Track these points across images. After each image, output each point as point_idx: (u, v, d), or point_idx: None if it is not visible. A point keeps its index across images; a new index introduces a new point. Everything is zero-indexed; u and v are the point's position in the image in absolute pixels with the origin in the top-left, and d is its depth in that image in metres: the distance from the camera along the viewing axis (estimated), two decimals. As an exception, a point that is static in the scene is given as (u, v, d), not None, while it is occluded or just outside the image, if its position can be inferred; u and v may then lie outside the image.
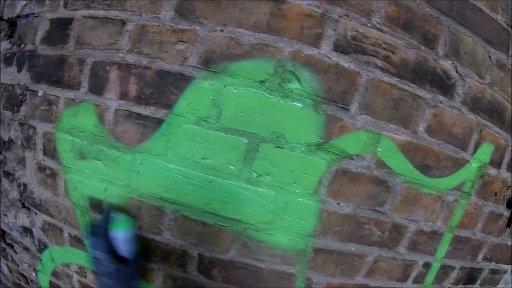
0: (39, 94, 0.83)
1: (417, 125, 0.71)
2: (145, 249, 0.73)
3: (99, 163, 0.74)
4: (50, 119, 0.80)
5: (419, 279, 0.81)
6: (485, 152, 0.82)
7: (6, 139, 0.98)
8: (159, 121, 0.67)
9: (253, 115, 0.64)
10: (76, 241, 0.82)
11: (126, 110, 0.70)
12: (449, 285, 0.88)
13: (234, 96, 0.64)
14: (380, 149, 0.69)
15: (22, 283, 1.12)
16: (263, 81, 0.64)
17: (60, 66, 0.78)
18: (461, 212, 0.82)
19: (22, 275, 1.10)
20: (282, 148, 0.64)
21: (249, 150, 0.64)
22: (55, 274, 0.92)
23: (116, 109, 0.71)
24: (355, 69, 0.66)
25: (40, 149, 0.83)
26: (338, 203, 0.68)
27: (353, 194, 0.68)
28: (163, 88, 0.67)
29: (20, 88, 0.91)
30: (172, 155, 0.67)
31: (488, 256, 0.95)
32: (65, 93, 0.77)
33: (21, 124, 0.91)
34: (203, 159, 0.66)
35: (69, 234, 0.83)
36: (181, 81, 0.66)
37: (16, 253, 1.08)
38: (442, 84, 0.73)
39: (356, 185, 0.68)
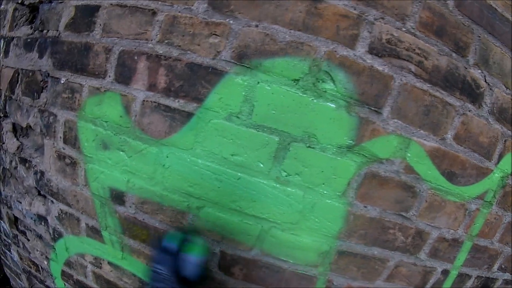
0: (62, 82, 0.81)
1: (446, 132, 0.70)
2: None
3: (122, 154, 0.73)
4: (72, 107, 0.78)
5: (436, 286, 0.80)
6: (508, 162, 0.81)
7: (24, 125, 0.97)
8: (188, 115, 0.66)
9: (285, 113, 0.63)
10: (93, 232, 0.81)
11: (154, 102, 0.68)
12: (464, 294, 0.88)
13: (267, 93, 0.63)
14: (409, 154, 0.68)
15: (33, 270, 1.11)
16: (297, 80, 0.63)
17: (85, 54, 0.76)
18: (482, 221, 0.81)
19: (33, 262, 1.09)
20: (313, 148, 0.63)
21: (280, 149, 0.63)
22: (68, 263, 0.91)
23: (144, 100, 0.69)
24: (389, 73, 0.65)
25: (60, 137, 0.82)
26: (365, 206, 0.67)
27: (381, 198, 0.67)
28: (194, 81, 0.66)
29: (41, 75, 0.89)
30: (200, 149, 0.66)
31: (503, 266, 0.95)
32: (89, 81, 0.76)
33: (41, 111, 0.89)
34: (232, 155, 0.64)
35: (87, 224, 0.82)
36: (213, 75, 0.65)
37: (28, 240, 1.07)
38: (472, 93, 0.72)
39: (384, 189, 0.67)
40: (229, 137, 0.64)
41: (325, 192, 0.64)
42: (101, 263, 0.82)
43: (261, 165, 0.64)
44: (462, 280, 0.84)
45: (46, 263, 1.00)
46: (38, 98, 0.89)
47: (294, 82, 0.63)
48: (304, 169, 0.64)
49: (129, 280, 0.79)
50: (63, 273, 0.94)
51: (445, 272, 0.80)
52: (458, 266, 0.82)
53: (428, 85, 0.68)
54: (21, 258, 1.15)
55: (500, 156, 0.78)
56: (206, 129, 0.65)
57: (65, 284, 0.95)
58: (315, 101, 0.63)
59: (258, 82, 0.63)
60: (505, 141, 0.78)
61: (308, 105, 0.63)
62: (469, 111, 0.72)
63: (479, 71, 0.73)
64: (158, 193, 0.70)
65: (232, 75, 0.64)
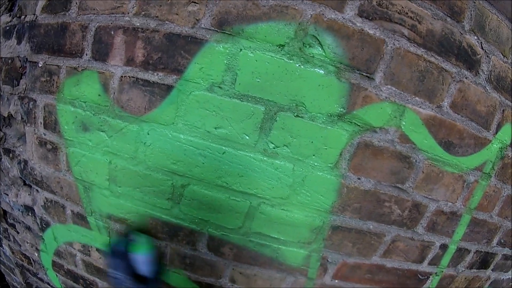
0: (40, 65, 0.75)
1: (442, 100, 0.65)
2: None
3: (103, 134, 0.67)
4: (51, 90, 0.73)
5: (435, 261, 0.76)
6: (506, 133, 0.76)
7: (5, 114, 0.91)
8: (168, 88, 0.60)
9: (271, 81, 0.57)
10: (79, 218, 0.76)
11: (132, 77, 0.63)
12: (463, 269, 0.83)
13: (250, 61, 0.58)
14: (404, 123, 0.62)
15: (25, 264, 1.06)
16: (283, 45, 0.57)
17: (61, 34, 0.70)
18: (480, 194, 0.76)
19: (25, 255, 1.04)
20: (302, 117, 0.58)
21: (266, 119, 0.58)
22: (58, 253, 0.86)
23: (122, 76, 0.64)
24: (381, 37, 0.59)
25: (41, 123, 0.76)
26: (359, 178, 0.62)
27: (375, 169, 0.62)
28: (173, 53, 0.60)
29: (20, 61, 0.83)
30: (182, 124, 0.60)
31: (502, 241, 0.90)
32: (66, 62, 0.70)
33: (20, 98, 0.83)
34: (215, 128, 0.59)
35: (72, 211, 0.77)
36: (192, 44, 0.59)
37: (18, 233, 1.02)
38: (468, 59, 0.66)
39: (378, 160, 0.62)
40: (211, 109, 0.59)
41: (316, 164, 0.59)
42: (89, 251, 0.78)
43: (247, 138, 0.58)
44: (461, 255, 0.80)
45: (36, 254, 0.95)
46: (18, 85, 0.84)
47: (279, 48, 0.57)
48: (292, 140, 0.58)
49: (117, 266, 0.75)
50: (54, 263, 0.89)
51: (444, 247, 0.75)
52: (456, 241, 0.77)
53: (423, 50, 0.62)
54: (13, 252, 1.10)
55: (499, 126, 0.73)
56: (187, 102, 0.59)
57: (56, 275, 0.90)
58: (302, 67, 0.57)
59: (241, 50, 0.58)
60: (503, 110, 0.73)
61: (294, 72, 0.57)
62: (465, 78, 0.67)
63: (475, 37, 0.67)
64: (141, 172, 0.64)
65: (213, 43, 0.59)
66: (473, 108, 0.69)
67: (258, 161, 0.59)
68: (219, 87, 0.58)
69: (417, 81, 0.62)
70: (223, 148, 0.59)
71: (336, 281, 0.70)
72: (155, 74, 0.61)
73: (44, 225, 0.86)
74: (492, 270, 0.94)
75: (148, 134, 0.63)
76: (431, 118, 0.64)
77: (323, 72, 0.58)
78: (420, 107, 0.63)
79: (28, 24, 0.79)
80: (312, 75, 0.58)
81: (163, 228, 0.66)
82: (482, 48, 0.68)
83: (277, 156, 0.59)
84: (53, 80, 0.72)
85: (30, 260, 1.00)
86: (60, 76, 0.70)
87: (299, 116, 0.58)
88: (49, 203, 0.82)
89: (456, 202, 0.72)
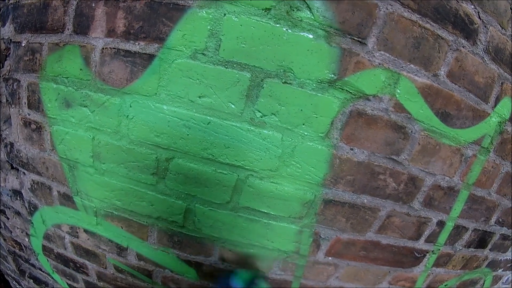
0: (23, 44, 0.71)
1: (438, 68, 0.60)
2: None
3: (85, 110, 0.63)
4: (33, 69, 0.69)
5: (431, 239, 0.72)
6: (505, 107, 0.71)
7: (-8, 98, 0.87)
8: (150, 57, 0.56)
9: (257, 46, 0.53)
10: (66, 199, 0.72)
11: (114, 48, 0.58)
12: (461, 247, 0.80)
13: (235, 26, 0.53)
14: (399, 91, 0.58)
15: (17, 250, 1.03)
16: (269, 9, 0.53)
17: (43, 11, 0.66)
18: (478, 169, 0.72)
19: (16, 241, 1.01)
20: (290, 84, 0.53)
21: (253, 87, 0.53)
22: (47, 237, 0.82)
23: (103, 48, 0.59)
24: (373, 1, 0.55)
25: (25, 103, 0.72)
26: (352, 149, 0.57)
27: (368, 140, 0.58)
28: (154, 20, 0.56)
29: (5, 43, 0.79)
30: (165, 94, 0.56)
31: (500, 220, 0.86)
32: (48, 38, 0.66)
33: (5, 79, 0.79)
34: (199, 97, 0.55)
35: (58, 192, 0.73)
36: (174, 11, 0.54)
37: (8, 219, 0.99)
38: (465, 28, 0.61)
39: (372, 130, 0.57)
40: (195, 77, 0.54)
41: (305, 133, 0.55)
42: (77, 232, 0.74)
43: (233, 106, 0.54)
44: (458, 233, 0.76)
45: (27, 240, 0.92)
46: (2, 67, 0.80)
47: (265, 11, 0.53)
48: (281, 108, 0.54)
49: (106, 247, 0.71)
50: (44, 248, 0.86)
51: (441, 224, 0.71)
52: (454, 218, 0.73)
53: (417, 16, 0.57)
54: (4, 239, 1.07)
55: (497, 100, 0.69)
56: (170, 70, 0.55)
57: (47, 260, 0.87)
58: (289, 31, 0.53)
59: (225, 14, 0.53)
60: (502, 83, 0.69)
61: (281, 36, 0.53)
62: (463, 47, 0.62)
63: (472, 6, 0.62)
64: (124, 147, 0.60)
65: (196, 8, 0.54)
66: (471, 79, 0.64)
67: (245, 131, 0.55)
68: (203, 54, 0.54)
69: (412, 48, 0.58)
70: (208, 118, 0.55)
71: (330, 258, 0.66)
72: (137, 43, 0.57)
73: (32, 209, 0.82)
74: (490, 249, 0.90)
75: (130, 106, 0.59)
76: (427, 87, 0.60)
77: (312, 36, 0.53)
78: (416, 75, 0.59)
79: (12, 6, 0.74)
80: (300, 39, 0.53)
81: (150, 203, 0.62)
82: (479, 17, 0.64)
83: (264, 125, 0.55)
84: (36, 58, 0.68)
85: (21, 246, 0.96)
86: (43, 53, 0.66)
87: (287, 83, 0.54)
88: (36, 185, 0.78)
89: (453, 176, 0.68)
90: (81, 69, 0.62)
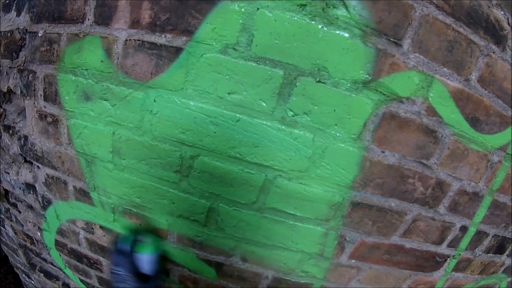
0: (39, 35, 0.68)
1: (470, 73, 0.58)
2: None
3: (106, 103, 0.61)
4: (51, 60, 0.66)
5: (453, 244, 0.70)
6: (531, 113, 0.69)
7: (5, 90, 0.84)
8: (177, 50, 0.53)
9: (291, 43, 0.50)
10: (82, 194, 0.70)
11: (138, 40, 0.56)
12: (480, 253, 0.78)
13: (268, 20, 0.50)
14: (432, 94, 0.56)
15: (28, 244, 1.01)
16: (304, 5, 0.50)
17: (62, 1, 0.63)
18: (503, 175, 0.70)
19: (27, 235, 0.99)
20: (324, 83, 0.51)
21: (285, 84, 0.51)
22: (60, 232, 0.80)
23: (126, 40, 0.56)
24: (409, 2, 0.52)
25: (41, 95, 0.70)
26: (383, 152, 0.55)
27: (400, 143, 0.56)
28: (182, 12, 0.53)
29: (20, 33, 0.76)
30: (192, 89, 0.54)
31: (518, 226, 0.85)
32: (67, 28, 0.63)
33: (20, 70, 0.76)
34: (229, 94, 0.52)
35: (74, 187, 0.71)
36: (204, 3, 0.52)
37: (20, 212, 0.96)
38: (495, 34, 0.59)
39: (404, 133, 0.55)
40: (225, 73, 0.52)
41: (338, 134, 0.53)
42: (93, 228, 0.72)
43: (264, 104, 0.52)
44: (479, 238, 0.75)
45: (39, 234, 0.90)
46: (17, 57, 0.77)
47: (300, 7, 0.50)
48: (313, 107, 0.52)
49: (122, 244, 0.69)
50: (57, 242, 0.83)
51: (464, 229, 0.69)
52: (477, 223, 0.71)
53: (451, 19, 0.55)
54: (15, 233, 1.05)
55: None
56: (198, 65, 0.52)
57: (60, 255, 0.85)
58: (325, 28, 0.50)
59: (258, 8, 0.50)
60: (527, 90, 0.67)
61: (317, 34, 0.50)
62: (493, 52, 0.60)
63: (502, 12, 0.60)
64: (146, 143, 0.58)
65: (227, 1, 0.51)
66: (500, 85, 0.62)
67: (275, 130, 0.52)
68: (234, 48, 0.51)
69: (445, 51, 0.55)
70: (237, 115, 0.53)
71: (353, 261, 0.64)
72: (163, 36, 0.54)
73: (46, 203, 0.80)
74: (507, 255, 0.89)
75: (154, 101, 0.56)
76: (458, 91, 0.58)
77: (348, 35, 0.51)
78: (448, 78, 0.56)
79: (28, -6, 0.71)
80: (336, 38, 0.50)
81: (171, 202, 0.60)
82: (509, 24, 0.61)
83: (296, 125, 0.52)
84: (53, 49, 0.65)
85: (33, 240, 0.94)
86: (61, 44, 0.64)
87: (321, 82, 0.51)
88: (50, 180, 0.76)
89: (479, 182, 0.66)
90: (102, 61, 0.59)
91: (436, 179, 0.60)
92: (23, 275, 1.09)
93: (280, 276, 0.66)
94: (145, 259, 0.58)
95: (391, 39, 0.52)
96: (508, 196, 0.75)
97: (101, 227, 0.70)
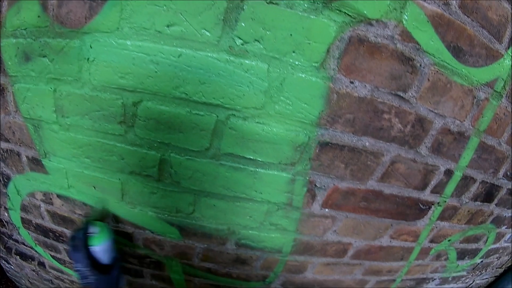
0: None
1: (450, -4, 0.49)
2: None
3: (44, 60, 0.53)
4: (-8, 27, 0.57)
5: (438, 189, 0.63)
6: (519, 49, 0.60)
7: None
8: (108, -16, 0.44)
9: (232, -45, 0.41)
10: (35, 164, 0.63)
11: (69, -19, 0.46)
12: (467, 200, 0.72)
13: None
14: (406, 17, 0.47)
15: (0, 227, 0.95)
16: None
17: None
18: (490, 115, 0.63)
19: (-1, 217, 0.93)
20: (277, 4, 0.42)
21: (231, 9, 0.42)
22: (24, 208, 0.74)
23: (58, -15, 0.47)
24: None
25: (-15, 65, 0.61)
26: (352, 82, 0.47)
27: (371, 72, 0.47)
28: None
29: None
30: (128, 28, 0.45)
31: (508, 173, 0.78)
32: None
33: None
34: (168, 26, 0.43)
35: (27, 157, 0.64)
36: None
37: (-14, 194, 0.90)
38: None
39: (375, 60, 0.47)
40: (161, 4, 0.43)
41: (296, 63, 0.44)
42: (51, 198, 0.65)
43: (208, 34, 0.43)
44: (466, 184, 0.68)
45: (6, 214, 0.83)
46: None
47: None
48: (266, 33, 0.43)
49: (81, 211, 0.63)
50: (23, 220, 0.77)
51: (449, 173, 0.62)
52: (463, 167, 0.64)
53: None
54: (-12, 217, 0.99)
55: (511, 41, 0.58)
56: (132, -3, 0.44)
57: (28, 233, 0.79)
58: None
59: None
60: (516, 23, 0.57)
61: None
62: None
63: None
64: (87, 95, 0.50)
65: None
66: (484, 14, 0.53)
67: (223, 63, 0.44)
68: (167, -30, 0.42)
69: (421, -31, 0.46)
70: (179, 49, 0.44)
71: (327, 210, 0.58)
72: (91, -32, 0.45)
73: (6, 180, 0.73)
74: (496, 204, 0.82)
75: (91, 47, 0.48)
76: (437, 16, 0.49)
77: None
78: (425, 0, 0.47)
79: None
80: None
81: (119, 154, 0.53)
82: None
83: (246, 54, 0.44)
84: (-6, 15, 0.56)
85: (3, 222, 0.88)
86: (2, 10, 0.56)
87: (272, 3, 0.42)
88: (5, 154, 0.68)
89: (464, 120, 0.59)
90: (39, 16, 0.51)
91: (416, 115, 0.53)
92: (3, 261, 1.05)
93: (248, 231, 0.60)
94: (99, 250, 0.55)
95: (355, -51, 0.43)
96: (496, 139, 0.68)
97: (58, 196, 0.63)
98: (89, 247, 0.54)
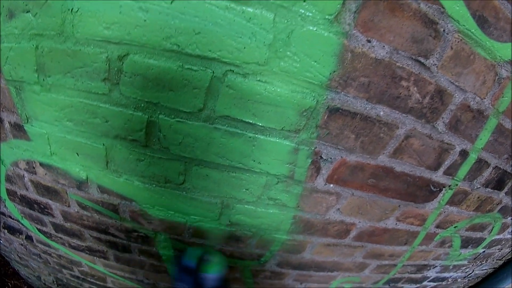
0: None
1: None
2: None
3: (28, 15, 0.46)
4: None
5: (451, 171, 0.57)
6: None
7: None
8: None
9: None
10: (17, 130, 0.57)
11: None
12: (479, 186, 0.66)
13: None
14: (431, -28, 0.40)
15: (-11, 200, 0.90)
16: None
17: None
18: (510, 95, 0.56)
19: (-13, 190, 0.87)
20: None
21: None
22: (8, 179, 0.68)
23: None
24: None
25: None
26: (369, 41, 0.40)
27: (391, 31, 0.40)
28: None
29: None
30: (114, -33, 0.38)
31: (522, 160, 0.72)
32: None
33: None
34: (158, -37, 0.37)
35: (9, 123, 0.58)
36: None
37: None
38: None
39: (396, 18, 0.40)
40: None
41: (307, 13, 0.37)
42: (34, 167, 0.59)
43: (204, -28, 0.36)
44: (479, 168, 0.62)
45: (-8, 186, 0.78)
46: None
47: None
48: (272, -25, 0.36)
49: (65, 180, 0.57)
50: (8, 192, 0.72)
51: (464, 154, 0.56)
52: (478, 149, 0.58)
53: None
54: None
55: None
56: None
57: (14, 205, 0.74)
58: None
59: None
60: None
61: None
62: None
63: None
64: (69, 50, 0.43)
65: None
66: None
67: (222, 10, 0.37)
68: None
69: None
70: (171, -8, 0.37)
71: (331, 185, 0.52)
72: None
73: (-10, 149, 0.67)
74: (505, 193, 0.77)
75: (74, -5, 0.41)
76: None
77: None
78: None
79: None
80: None
81: (103, 116, 0.47)
82: None
83: (249, 1, 0.37)
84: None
85: (-10, 194, 0.83)
86: None
87: None
88: (-12, 120, 0.62)
89: (485, 98, 0.52)
90: None
91: (436, 85, 0.46)
92: (-6, 235, 1.01)
93: (244, 205, 0.55)
94: (210, 279, 0.54)
95: None
96: (515, 121, 0.61)
97: (41, 164, 0.57)
98: (201, 272, 0.53)
